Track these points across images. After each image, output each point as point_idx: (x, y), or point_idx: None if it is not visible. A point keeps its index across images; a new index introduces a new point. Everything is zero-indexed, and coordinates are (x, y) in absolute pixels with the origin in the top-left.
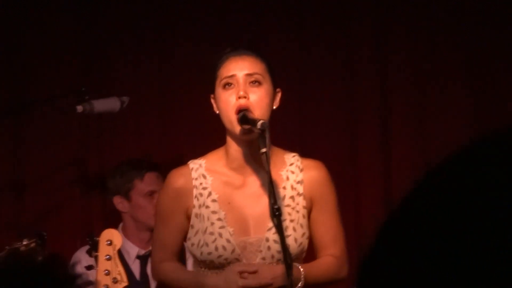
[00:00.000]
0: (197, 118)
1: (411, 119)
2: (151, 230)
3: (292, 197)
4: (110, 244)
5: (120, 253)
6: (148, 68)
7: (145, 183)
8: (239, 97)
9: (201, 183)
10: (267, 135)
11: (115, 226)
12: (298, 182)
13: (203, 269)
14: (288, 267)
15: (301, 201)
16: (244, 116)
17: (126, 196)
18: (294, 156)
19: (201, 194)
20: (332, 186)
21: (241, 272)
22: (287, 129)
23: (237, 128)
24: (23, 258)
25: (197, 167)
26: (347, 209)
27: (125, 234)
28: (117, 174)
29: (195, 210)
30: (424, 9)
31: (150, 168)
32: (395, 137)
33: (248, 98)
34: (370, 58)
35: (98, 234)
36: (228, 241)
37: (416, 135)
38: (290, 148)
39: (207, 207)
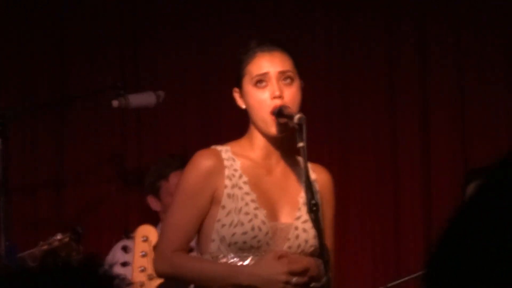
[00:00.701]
0: (238, 112)
1: (451, 125)
2: None
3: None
4: (146, 240)
5: None
6: (186, 62)
7: (171, 183)
8: (275, 97)
9: (231, 164)
10: (305, 130)
11: (153, 223)
12: (313, 180)
13: (221, 256)
14: (326, 263)
15: (318, 198)
16: (280, 110)
17: (157, 195)
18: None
19: (233, 175)
20: (335, 195)
21: (280, 257)
22: (327, 129)
23: (272, 129)
24: (57, 256)
25: (225, 150)
26: (387, 217)
27: None
28: (149, 172)
29: (227, 190)
30: (467, 7)
31: (178, 166)
32: (435, 141)
33: (283, 97)
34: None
35: (134, 230)
36: (263, 222)
37: (457, 139)
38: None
39: (240, 188)
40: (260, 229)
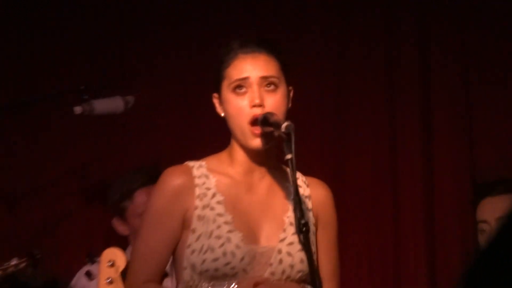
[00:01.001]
0: (219, 121)
1: (456, 130)
2: None
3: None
4: (113, 265)
5: None
6: (161, 63)
7: (136, 204)
8: (254, 105)
9: (204, 182)
10: (293, 139)
11: (121, 246)
12: (306, 197)
13: (194, 285)
14: None
15: (311, 217)
16: (266, 118)
17: (123, 217)
18: (300, 176)
19: (204, 194)
20: (336, 212)
21: (256, 285)
22: (321, 137)
23: (251, 141)
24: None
25: (198, 166)
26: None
27: None
28: (111, 190)
29: (197, 212)
30: (469, 5)
31: (144, 181)
32: (438, 145)
33: (264, 106)
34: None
35: (100, 254)
36: (237, 246)
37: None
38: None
39: (212, 208)
40: (233, 255)
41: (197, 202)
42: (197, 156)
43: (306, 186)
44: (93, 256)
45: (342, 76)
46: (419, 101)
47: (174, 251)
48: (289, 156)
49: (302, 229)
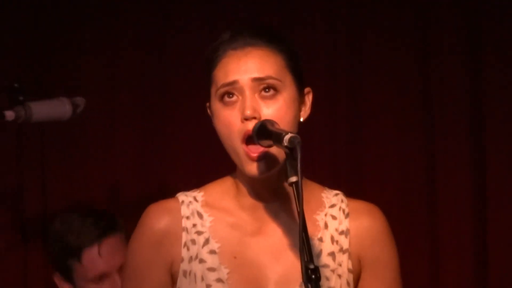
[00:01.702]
0: (193, 133)
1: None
2: None
3: (332, 254)
4: None
5: None
6: (122, 57)
7: (85, 267)
8: (245, 119)
9: (194, 225)
10: (299, 156)
11: None
12: (341, 233)
13: None
14: None
15: (345, 261)
16: (263, 127)
17: (67, 276)
18: (337, 194)
19: (193, 242)
20: (392, 243)
21: None
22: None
23: (247, 166)
24: None
25: (190, 200)
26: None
27: None
28: (50, 240)
29: (183, 266)
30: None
31: (100, 233)
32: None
33: (260, 118)
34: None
35: None
36: None
37: None
38: (332, 183)
39: (202, 261)
40: None
41: (184, 253)
42: (169, 184)
43: (344, 217)
44: None
45: (358, 76)
46: (464, 94)
47: None
48: (293, 179)
49: (311, 276)
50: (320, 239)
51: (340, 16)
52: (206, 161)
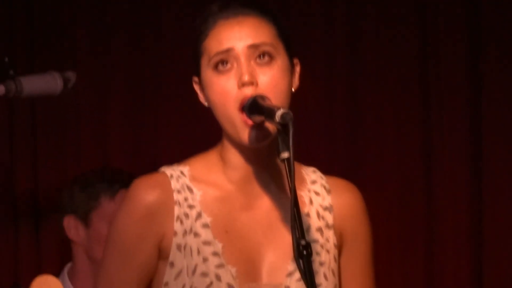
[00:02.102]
0: (186, 110)
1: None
2: None
3: (320, 229)
4: None
5: None
6: (108, 31)
7: (116, 203)
8: (243, 84)
9: (185, 198)
10: (291, 132)
11: (55, 271)
12: (325, 209)
13: None
14: None
15: (331, 237)
16: (253, 103)
17: (85, 218)
18: (314, 171)
19: (186, 215)
20: (369, 221)
21: None
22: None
23: (243, 134)
24: None
25: (178, 175)
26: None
27: (74, 281)
28: (77, 185)
29: (176, 240)
30: None
31: (125, 183)
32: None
33: (257, 84)
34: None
35: (28, 283)
36: (230, 286)
37: None
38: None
39: (197, 234)
40: None
41: (177, 226)
42: (161, 162)
43: (326, 192)
44: (19, 286)
45: (355, 66)
46: (464, 92)
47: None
48: (285, 155)
49: (302, 252)
50: (307, 215)
51: (339, 12)
52: (199, 138)
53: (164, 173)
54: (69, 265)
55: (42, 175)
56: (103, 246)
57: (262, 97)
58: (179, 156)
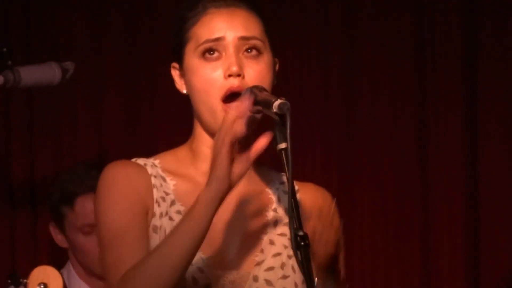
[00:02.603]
0: (182, 98)
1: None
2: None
3: (287, 225)
4: None
5: None
6: (105, 22)
7: (76, 213)
8: (230, 75)
9: (161, 184)
10: (289, 123)
11: (57, 264)
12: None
13: None
14: None
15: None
16: (252, 93)
17: (60, 225)
18: (283, 175)
19: (163, 199)
20: (339, 222)
21: None
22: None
23: (220, 121)
24: None
25: (151, 164)
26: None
27: (77, 272)
28: (52, 187)
29: (154, 221)
30: None
31: (91, 186)
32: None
33: (244, 77)
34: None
35: (25, 273)
36: (200, 270)
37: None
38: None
39: (171, 219)
40: (195, 282)
41: (155, 208)
42: (157, 152)
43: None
44: (17, 276)
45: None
46: (460, 89)
47: None
48: (283, 146)
49: (300, 243)
50: (275, 210)
51: (335, 3)
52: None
53: (136, 161)
54: (67, 265)
55: (39, 164)
56: (80, 253)
57: (259, 88)
58: (174, 144)
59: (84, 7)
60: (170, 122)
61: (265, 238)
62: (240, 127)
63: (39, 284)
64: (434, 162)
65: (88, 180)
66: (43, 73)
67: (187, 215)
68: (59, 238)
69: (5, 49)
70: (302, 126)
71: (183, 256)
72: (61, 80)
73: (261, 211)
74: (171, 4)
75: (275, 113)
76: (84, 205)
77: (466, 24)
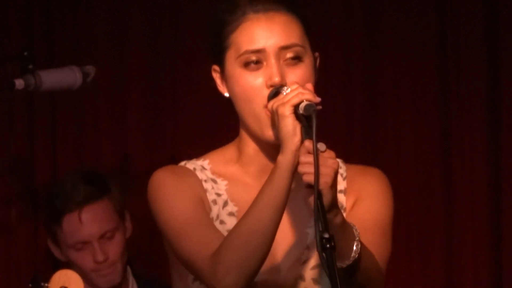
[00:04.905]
0: (204, 102)
1: None
2: None
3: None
4: None
5: None
6: (126, 26)
7: (65, 232)
8: (272, 85)
9: (212, 187)
10: (314, 124)
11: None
12: (340, 191)
13: None
14: None
15: (343, 202)
16: (277, 94)
17: (56, 243)
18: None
19: (214, 202)
20: (390, 198)
21: None
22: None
23: (268, 131)
24: None
25: (200, 168)
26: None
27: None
28: (44, 201)
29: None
30: None
31: (83, 200)
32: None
33: (286, 84)
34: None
35: (48, 277)
36: None
37: None
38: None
39: (222, 222)
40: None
41: (212, 206)
42: (179, 155)
43: (342, 179)
44: (39, 279)
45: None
46: (483, 85)
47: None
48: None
49: (325, 245)
50: None
51: None
52: (216, 131)
53: (185, 166)
54: None
55: (62, 168)
56: (78, 270)
57: (286, 88)
58: (197, 149)
59: (106, 10)
60: (192, 124)
61: (311, 232)
62: (297, 99)
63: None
64: (457, 160)
65: (75, 195)
66: (64, 77)
67: (268, 182)
68: (57, 253)
69: (26, 53)
70: (324, 127)
71: (269, 221)
72: (82, 84)
73: (304, 204)
74: (193, 5)
75: (302, 114)
76: (71, 224)
77: (489, 23)
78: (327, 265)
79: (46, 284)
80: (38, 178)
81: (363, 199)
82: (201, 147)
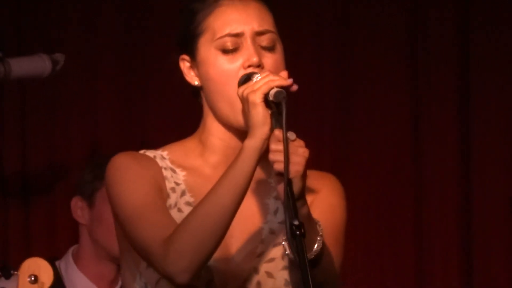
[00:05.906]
0: (175, 91)
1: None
2: (115, 262)
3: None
4: (35, 281)
5: None
6: (97, 13)
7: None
8: (250, 65)
9: (171, 176)
10: (284, 111)
11: (44, 252)
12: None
13: None
14: None
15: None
16: (248, 79)
17: (89, 198)
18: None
19: (173, 190)
20: (344, 206)
21: None
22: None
23: (239, 113)
24: None
25: (160, 157)
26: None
27: (78, 262)
28: (88, 167)
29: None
30: None
31: None
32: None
33: (263, 67)
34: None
35: (17, 265)
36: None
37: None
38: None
39: (180, 210)
40: (198, 277)
41: (171, 193)
42: (150, 143)
43: None
44: (8, 268)
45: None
46: (454, 78)
47: (125, 260)
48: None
49: (296, 232)
50: (276, 198)
51: None
52: (188, 119)
53: (145, 154)
54: (74, 246)
55: (31, 156)
56: (104, 228)
57: (256, 74)
58: (168, 137)
59: None
60: (163, 115)
61: (266, 227)
62: (267, 86)
63: (30, 276)
64: (428, 157)
65: None
66: (33, 65)
67: (231, 166)
68: (79, 214)
69: None
70: (295, 120)
71: (229, 205)
72: (51, 72)
73: (262, 198)
74: None
75: (271, 101)
76: None
77: (459, 18)
78: (297, 253)
79: (15, 272)
80: (6, 166)
81: (317, 205)
82: (172, 137)
